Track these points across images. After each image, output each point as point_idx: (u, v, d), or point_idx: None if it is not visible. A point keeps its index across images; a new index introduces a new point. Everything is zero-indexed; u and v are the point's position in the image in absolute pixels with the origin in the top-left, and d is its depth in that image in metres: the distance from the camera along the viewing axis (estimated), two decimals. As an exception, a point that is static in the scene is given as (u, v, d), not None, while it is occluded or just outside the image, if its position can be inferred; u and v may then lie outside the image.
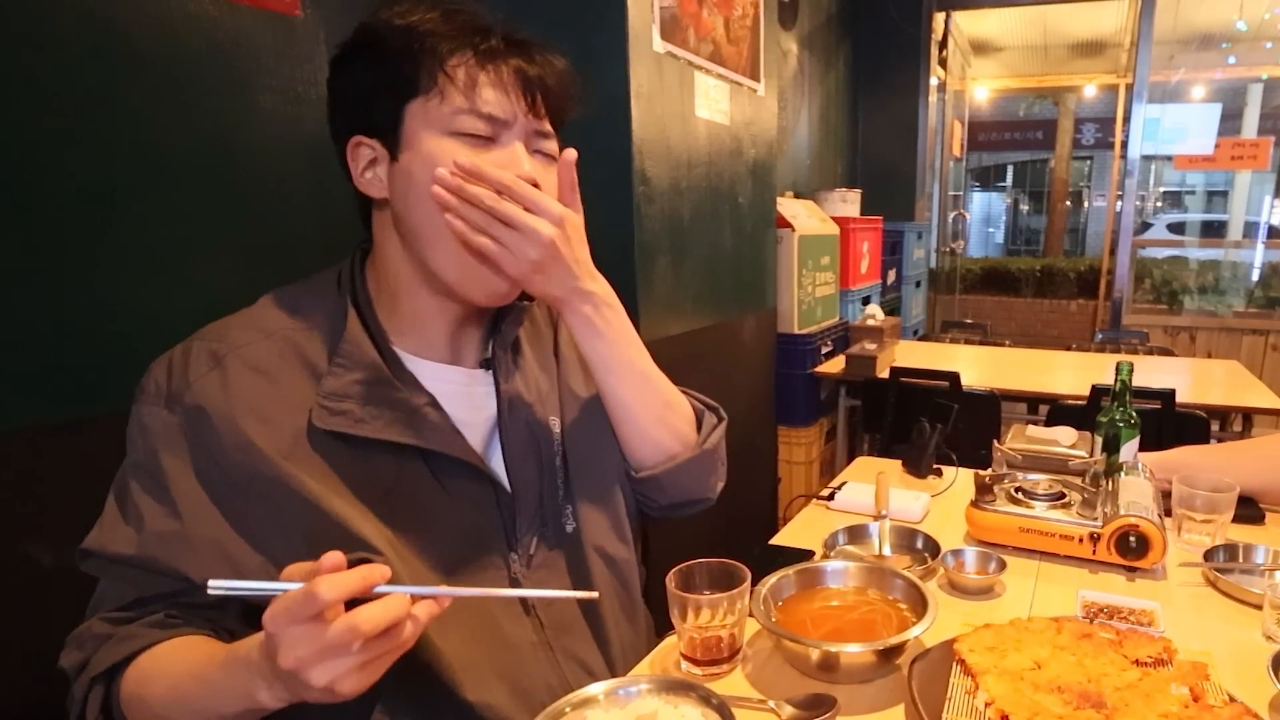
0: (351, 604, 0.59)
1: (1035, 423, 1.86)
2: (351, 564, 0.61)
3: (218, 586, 0.58)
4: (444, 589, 0.66)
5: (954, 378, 2.73)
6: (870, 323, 3.34)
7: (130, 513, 0.75)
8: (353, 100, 0.82)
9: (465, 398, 0.88)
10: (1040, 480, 1.30)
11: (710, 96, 2.20)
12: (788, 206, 3.09)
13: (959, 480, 1.57)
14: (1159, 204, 13.45)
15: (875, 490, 1.35)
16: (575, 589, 0.87)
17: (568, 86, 0.86)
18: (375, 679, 0.62)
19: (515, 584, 0.87)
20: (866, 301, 3.80)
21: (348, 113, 0.82)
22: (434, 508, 0.83)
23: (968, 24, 6.53)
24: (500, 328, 0.94)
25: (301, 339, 0.82)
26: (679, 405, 1.01)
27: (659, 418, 0.97)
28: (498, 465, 0.89)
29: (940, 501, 1.48)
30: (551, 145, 0.86)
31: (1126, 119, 5.09)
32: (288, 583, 0.59)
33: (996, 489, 1.28)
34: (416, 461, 0.82)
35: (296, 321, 0.83)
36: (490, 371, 0.92)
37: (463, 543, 0.84)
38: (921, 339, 4.71)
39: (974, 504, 1.26)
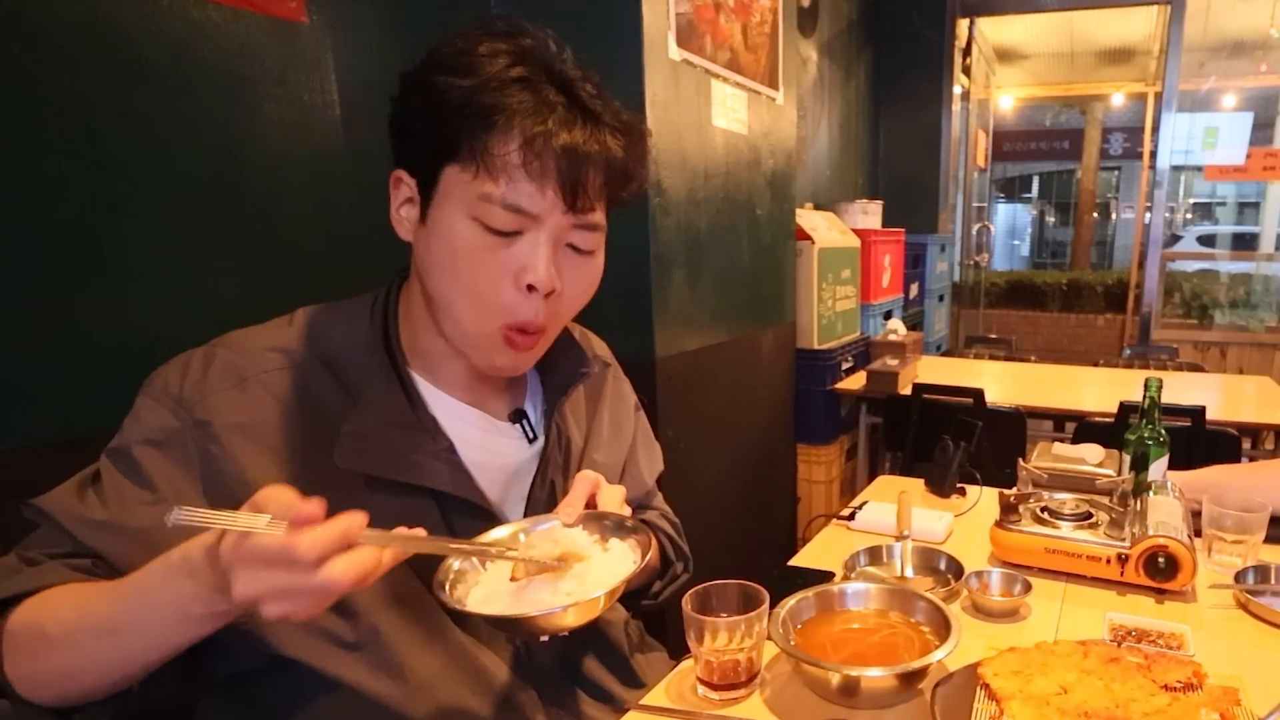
0: None
1: (1062, 440, 1.83)
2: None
3: (181, 518, 0.55)
4: (415, 539, 0.66)
5: (978, 394, 2.70)
6: (892, 338, 3.31)
7: (101, 491, 0.71)
8: (404, 135, 0.78)
9: (484, 441, 0.87)
10: (1067, 500, 1.28)
11: (728, 105, 2.19)
12: (807, 218, 3.08)
13: (983, 500, 1.55)
14: (1189, 216, 13.29)
15: (897, 510, 1.34)
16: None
17: (631, 167, 0.78)
18: (325, 609, 0.61)
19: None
20: (888, 316, 3.77)
21: (398, 143, 0.79)
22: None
23: (992, 31, 6.49)
24: (552, 388, 0.92)
25: (327, 373, 0.80)
26: None
27: None
28: (514, 514, 0.88)
29: (964, 522, 1.46)
30: (591, 239, 0.79)
31: (1155, 128, 5.03)
32: (255, 515, 0.57)
33: (1022, 509, 1.26)
34: (428, 502, 0.81)
35: (326, 352, 0.81)
36: (517, 425, 0.90)
37: None
38: (945, 354, 4.67)
39: (998, 524, 1.24)
